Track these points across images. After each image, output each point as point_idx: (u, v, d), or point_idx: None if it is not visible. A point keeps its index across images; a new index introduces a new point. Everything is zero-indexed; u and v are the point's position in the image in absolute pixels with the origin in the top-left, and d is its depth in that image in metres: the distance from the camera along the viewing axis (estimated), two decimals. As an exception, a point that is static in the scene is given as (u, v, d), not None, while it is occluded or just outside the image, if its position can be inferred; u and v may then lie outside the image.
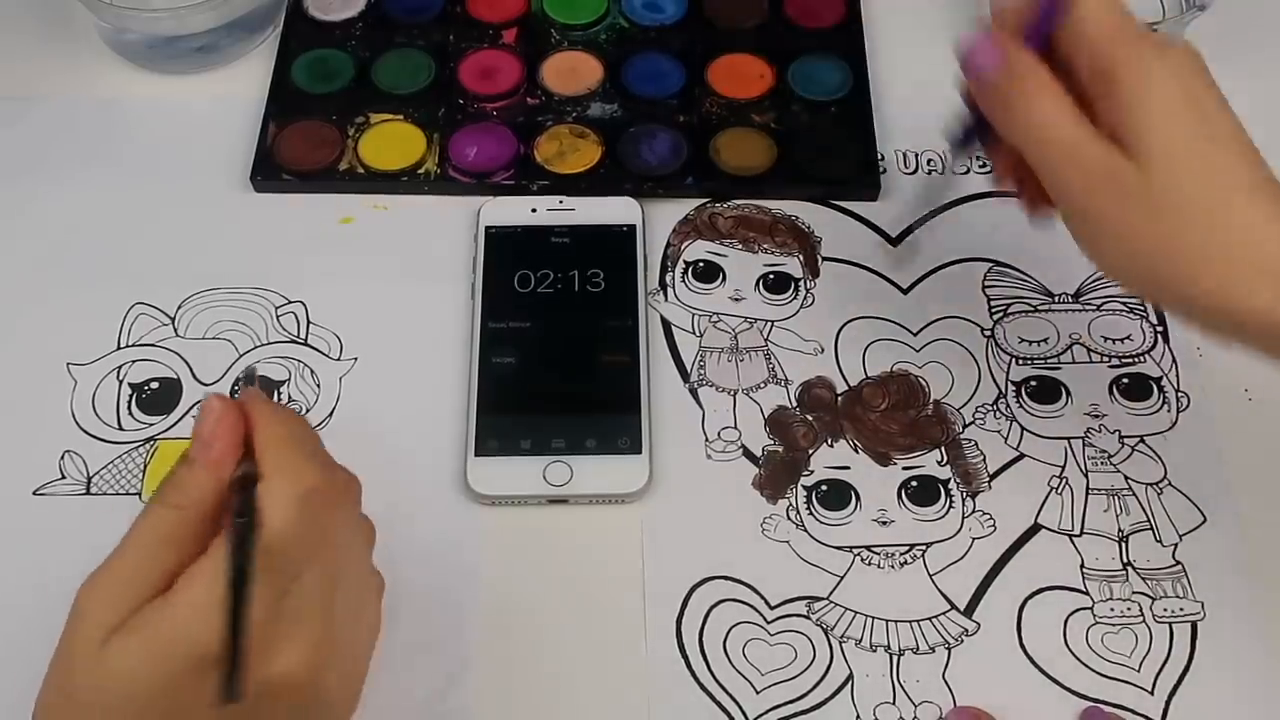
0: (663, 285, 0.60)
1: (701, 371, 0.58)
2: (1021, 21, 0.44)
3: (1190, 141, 0.42)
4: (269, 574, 0.37)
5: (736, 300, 0.60)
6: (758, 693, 0.50)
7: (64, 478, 0.54)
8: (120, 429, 0.56)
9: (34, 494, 0.54)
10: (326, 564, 0.39)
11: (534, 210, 0.61)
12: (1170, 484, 0.55)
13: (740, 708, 0.50)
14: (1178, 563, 0.53)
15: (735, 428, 0.56)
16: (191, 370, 0.57)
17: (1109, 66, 0.42)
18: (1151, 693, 0.50)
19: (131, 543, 0.38)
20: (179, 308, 0.59)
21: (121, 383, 0.57)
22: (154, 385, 0.57)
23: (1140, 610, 0.52)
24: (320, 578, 0.39)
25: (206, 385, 0.57)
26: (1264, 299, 0.41)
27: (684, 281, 0.60)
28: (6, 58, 0.68)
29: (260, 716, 0.38)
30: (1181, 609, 0.52)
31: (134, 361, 0.58)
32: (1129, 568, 0.53)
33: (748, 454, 0.56)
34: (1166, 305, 0.47)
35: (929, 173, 0.64)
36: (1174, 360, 0.58)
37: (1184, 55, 0.43)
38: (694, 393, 0.57)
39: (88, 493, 0.54)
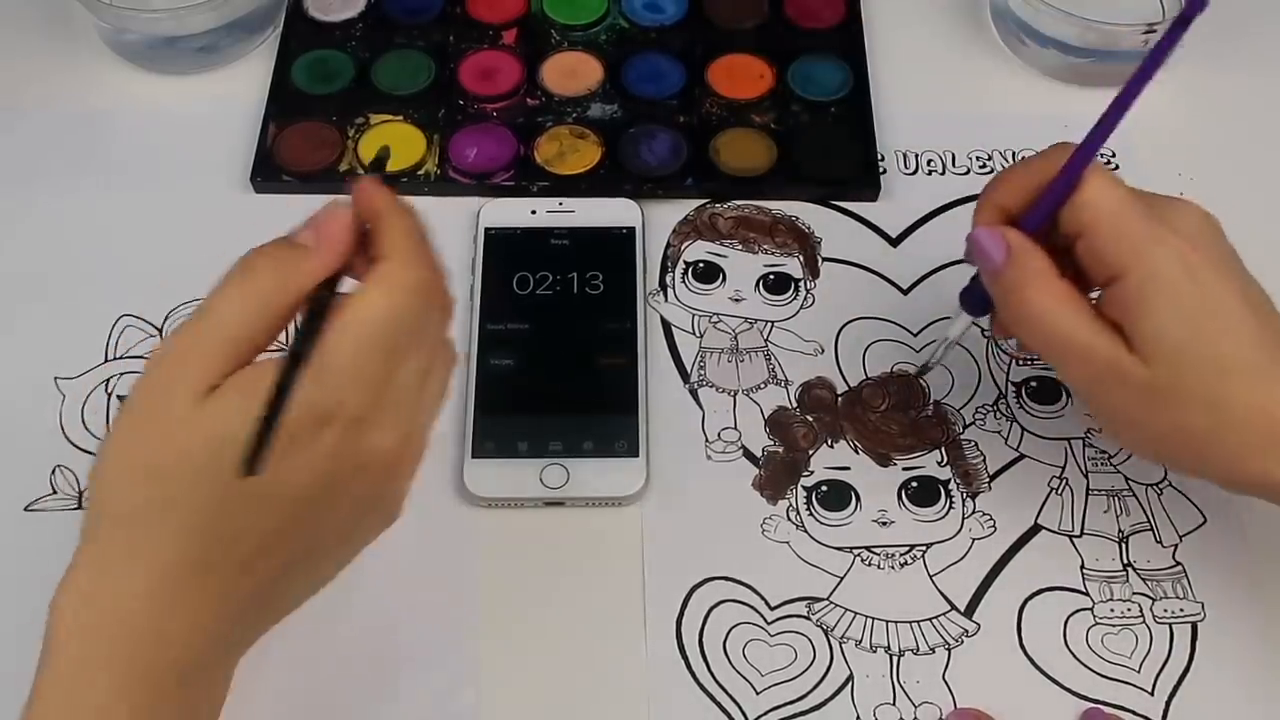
0: (663, 286, 0.60)
1: (701, 372, 0.58)
2: (1021, 202, 0.45)
3: (1193, 336, 0.42)
4: (382, 354, 0.38)
5: (737, 301, 0.60)
6: (758, 693, 0.50)
7: (55, 493, 0.54)
8: None
9: (25, 510, 0.53)
10: (426, 353, 0.41)
11: (533, 212, 0.61)
12: (1170, 484, 0.55)
13: (740, 708, 0.50)
14: (1178, 563, 0.53)
15: (735, 428, 0.56)
16: None
17: (1113, 262, 0.43)
18: (1151, 693, 0.50)
19: (226, 307, 0.39)
20: (166, 319, 0.58)
21: (110, 395, 0.56)
22: None
23: (1140, 611, 0.52)
24: (418, 367, 0.40)
25: None
26: (1275, 469, 0.43)
27: (684, 282, 0.60)
28: (6, 58, 0.68)
29: (349, 487, 0.39)
30: (1181, 610, 0.52)
31: (122, 374, 0.57)
32: (1129, 568, 0.53)
33: (748, 454, 0.56)
34: (1187, 476, 0.49)
35: (929, 173, 0.64)
36: (1174, 360, 0.58)
37: (1190, 234, 0.43)
38: (694, 393, 0.57)
39: (80, 507, 0.53)
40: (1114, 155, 0.64)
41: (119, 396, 0.56)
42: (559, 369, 0.57)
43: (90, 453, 0.55)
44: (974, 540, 0.54)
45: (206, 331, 0.38)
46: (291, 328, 0.39)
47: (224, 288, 0.39)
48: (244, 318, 0.38)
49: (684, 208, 0.63)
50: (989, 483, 0.55)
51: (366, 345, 0.38)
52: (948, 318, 0.59)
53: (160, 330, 0.58)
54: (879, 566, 0.53)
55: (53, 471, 0.54)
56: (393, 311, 0.39)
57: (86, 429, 0.56)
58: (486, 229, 0.60)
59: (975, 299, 0.49)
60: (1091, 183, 0.44)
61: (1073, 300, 0.44)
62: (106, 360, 0.58)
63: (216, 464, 0.36)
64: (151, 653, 0.38)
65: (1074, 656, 0.51)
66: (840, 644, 0.51)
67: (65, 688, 0.37)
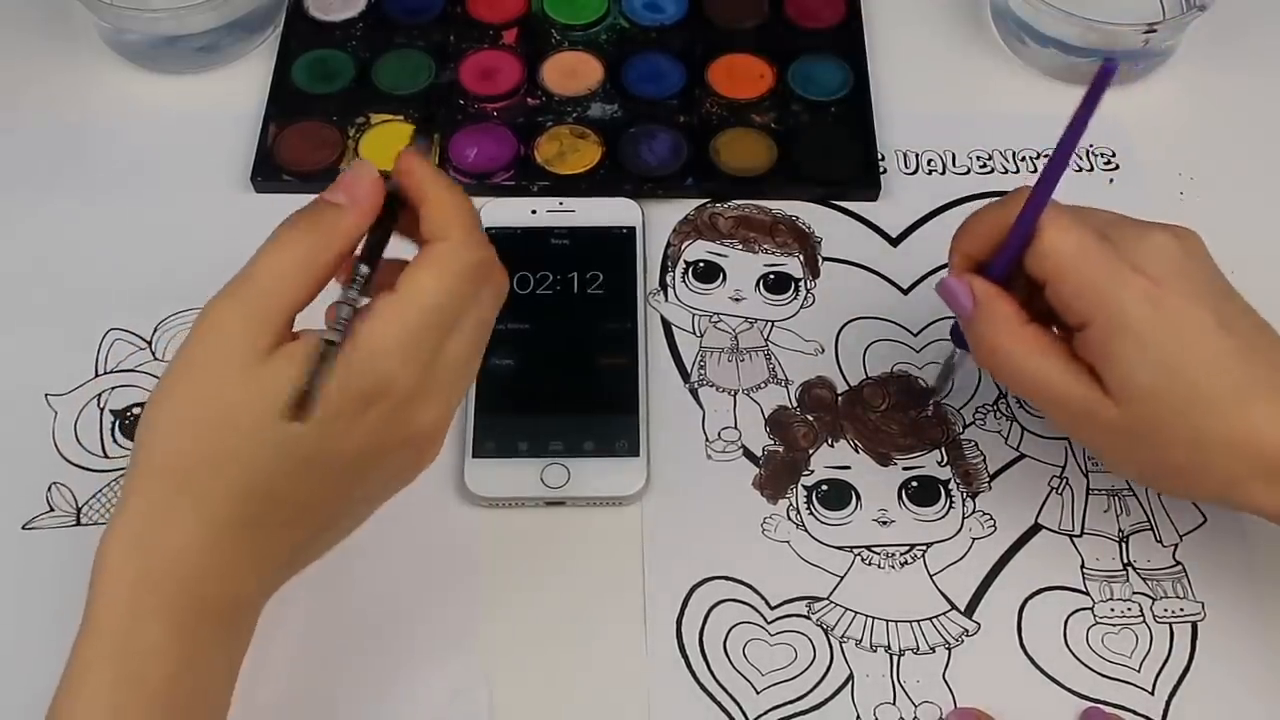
0: (663, 285, 0.60)
1: (702, 371, 0.58)
2: (986, 250, 0.46)
3: (1165, 377, 0.42)
4: (435, 334, 0.40)
5: (737, 300, 0.60)
6: (758, 693, 0.50)
7: (52, 510, 0.54)
8: (106, 457, 0.55)
9: (23, 529, 0.53)
10: (473, 332, 0.42)
11: (534, 212, 0.61)
12: (1171, 484, 0.55)
13: (740, 708, 0.50)
14: (1178, 563, 0.53)
15: (735, 428, 0.56)
16: None
17: (1078, 310, 0.43)
18: (1152, 693, 0.50)
19: (272, 268, 0.40)
20: (155, 331, 0.58)
21: (103, 410, 0.56)
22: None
23: (1140, 610, 0.52)
24: (465, 345, 0.41)
25: None
26: (1260, 495, 0.44)
27: (684, 281, 0.60)
28: (6, 58, 0.68)
29: (392, 458, 0.41)
30: (1182, 609, 0.52)
31: (114, 388, 0.57)
32: (1129, 568, 0.53)
33: (748, 454, 0.56)
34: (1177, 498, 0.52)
35: (929, 173, 0.64)
36: (1174, 360, 0.58)
37: (1158, 267, 0.43)
38: (694, 393, 0.57)
39: (78, 523, 0.53)
40: (1114, 155, 0.65)
41: (112, 411, 0.56)
42: (560, 369, 0.57)
43: (86, 468, 0.55)
44: (974, 540, 0.54)
45: (256, 293, 0.40)
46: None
47: (269, 250, 0.40)
48: (289, 279, 0.40)
49: (684, 207, 0.63)
50: (989, 482, 0.55)
51: (419, 326, 0.39)
52: (948, 317, 0.59)
53: (149, 343, 0.58)
54: (879, 566, 0.53)
55: (49, 489, 0.54)
56: (447, 295, 0.40)
57: (80, 445, 0.55)
58: (487, 229, 0.60)
59: (961, 335, 0.49)
60: (1049, 230, 0.44)
61: (1044, 345, 0.44)
62: (97, 375, 0.57)
63: (271, 425, 0.38)
64: (200, 599, 0.40)
65: (1074, 656, 0.51)
66: (840, 643, 0.51)
67: (116, 631, 0.39)
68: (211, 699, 0.41)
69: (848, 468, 0.55)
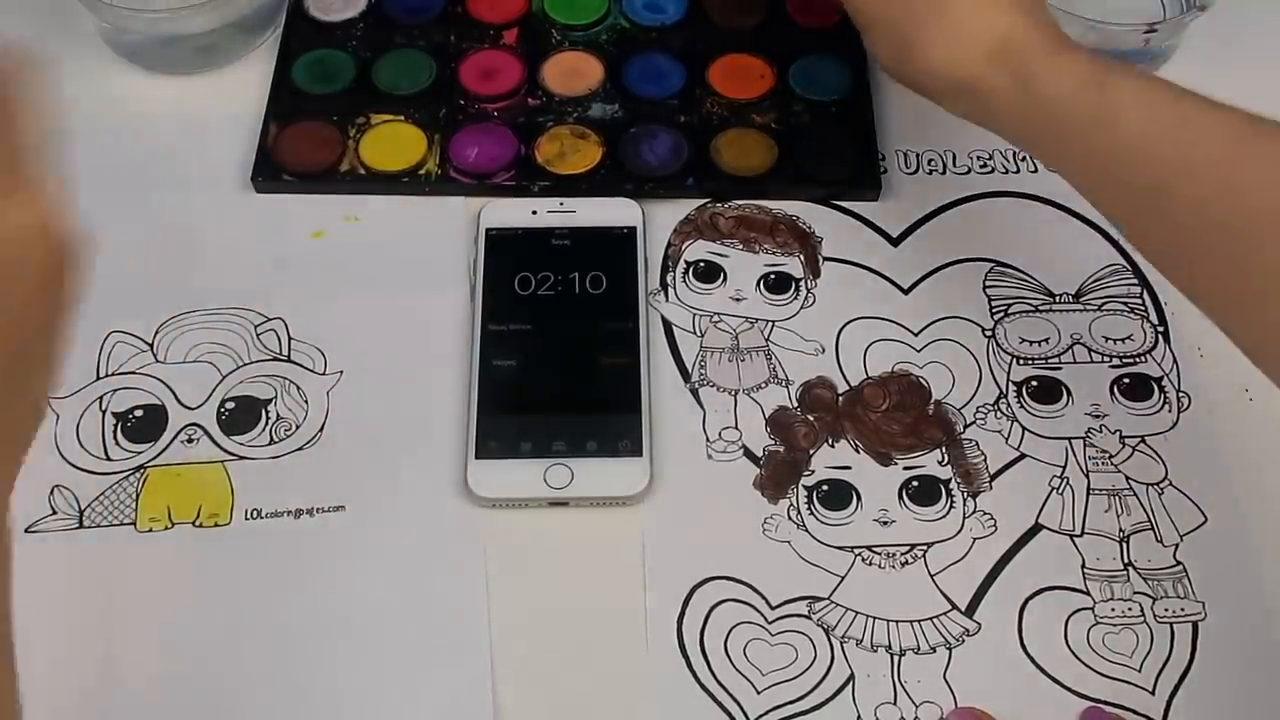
0: (664, 285, 0.60)
1: (702, 371, 0.58)
2: None
3: None
4: None
5: (737, 300, 0.60)
6: (759, 693, 0.50)
7: (55, 513, 0.53)
8: (108, 459, 0.55)
9: (26, 532, 0.53)
10: None
11: (534, 212, 0.61)
12: (1171, 484, 0.55)
13: (741, 708, 0.50)
14: (1179, 563, 0.53)
15: (736, 428, 0.56)
16: (175, 395, 0.56)
17: None
18: (1152, 693, 0.50)
19: None
20: (156, 333, 0.58)
21: (105, 413, 0.56)
22: (138, 413, 0.56)
23: (1141, 610, 0.52)
24: None
25: (191, 409, 0.56)
26: (968, 65, 0.51)
27: (685, 281, 0.60)
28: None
29: None
30: (1182, 609, 0.52)
31: (115, 390, 0.57)
32: (1130, 568, 0.53)
33: (749, 454, 0.56)
34: (917, 83, 0.54)
35: (929, 172, 0.64)
36: (1175, 360, 0.58)
37: None
38: (695, 393, 0.57)
39: (80, 526, 0.53)
40: (1114, 155, 0.65)
41: (114, 413, 0.56)
42: (562, 369, 0.57)
43: (89, 471, 0.55)
44: (975, 540, 0.54)
45: None
46: None
47: None
48: None
49: (685, 207, 0.63)
50: (990, 482, 0.55)
51: None
52: (949, 317, 0.59)
53: (151, 345, 0.58)
54: (880, 566, 0.53)
55: (51, 492, 0.54)
56: None
57: (82, 448, 0.55)
58: (487, 230, 0.60)
59: None
60: None
61: None
62: (98, 378, 0.57)
63: None
64: None
65: (1075, 656, 0.51)
66: (841, 643, 0.51)
67: None
68: None
69: (848, 468, 0.55)
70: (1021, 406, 0.57)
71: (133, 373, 0.57)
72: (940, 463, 0.56)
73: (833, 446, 0.56)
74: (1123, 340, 0.59)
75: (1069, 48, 0.50)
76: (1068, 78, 0.49)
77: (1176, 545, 0.54)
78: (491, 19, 0.69)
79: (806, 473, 0.55)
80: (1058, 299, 0.60)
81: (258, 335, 0.58)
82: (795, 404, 0.57)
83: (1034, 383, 0.58)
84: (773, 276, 0.61)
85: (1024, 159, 0.65)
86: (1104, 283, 0.60)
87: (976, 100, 0.51)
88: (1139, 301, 0.60)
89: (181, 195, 0.63)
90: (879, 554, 0.53)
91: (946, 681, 0.50)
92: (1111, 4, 0.64)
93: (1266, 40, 0.69)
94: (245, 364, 0.57)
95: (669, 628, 0.51)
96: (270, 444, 0.55)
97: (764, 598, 0.52)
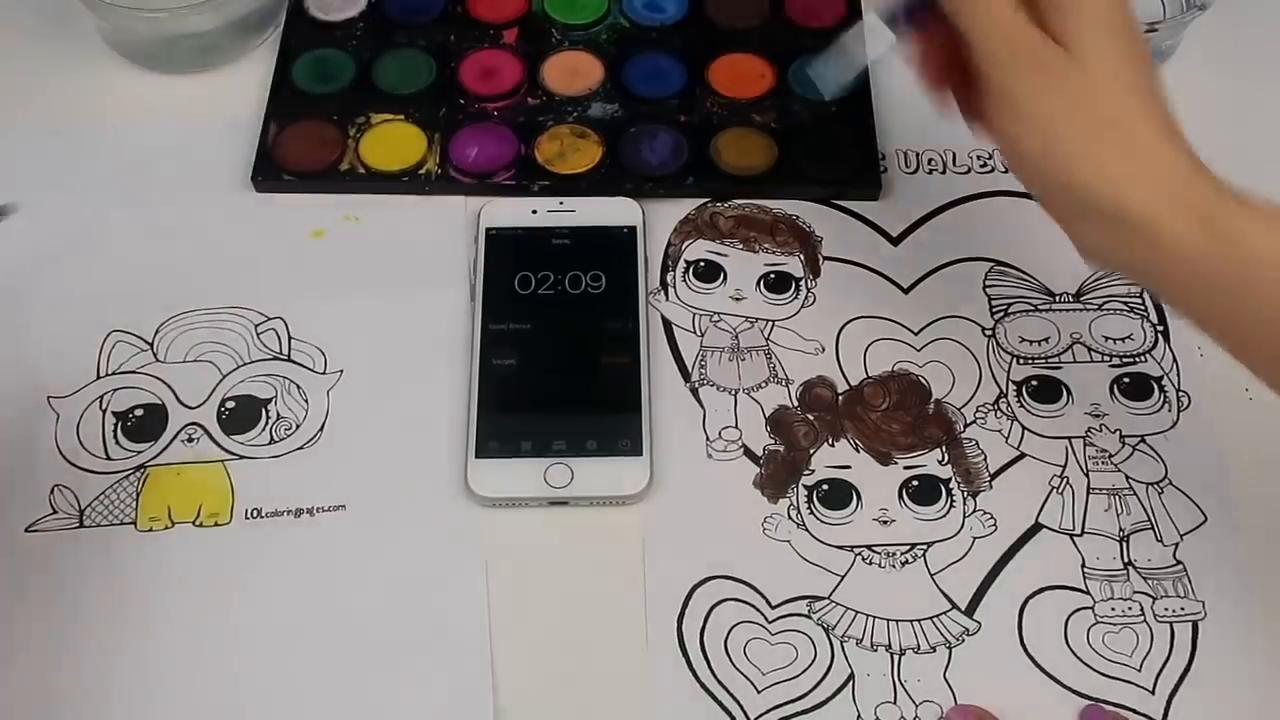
0: (664, 285, 0.60)
1: (702, 371, 0.58)
2: None
3: (1116, 54, 0.45)
4: None
5: (737, 300, 0.60)
6: (759, 692, 0.50)
7: (55, 512, 0.53)
8: (108, 459, 0.55)
9: (26, 532, 0.53)
10: None
11: (534, 212, 0.61)
12: (1171, 483, 0.55)
13: (741, 707, 0.50)
14: (1179, 562, 0.53)
15: (736, 427, 0.56)
16: (175, 394, 0.56)
17: None
18: (1152, 692, 0.50)
19: None
20: (156, 332, 0.58)
21: (105, 412, 0.56)
22: (139, 412, 0.56)
23: (1141, 610, 0.52)
24: None
25: (192, 409, 0.56)
26: (1144, 201, 0.44)
27: (685, 281, 0.60)
28: (6, 58, 0.68)
29: None
30: (1182, 608, 0.52)
31: (115, 390, 0.57)
32: (1130, 567, 0.53)
33: (749, 453, 0.56)
34: (1056, 193, 0.48)
35: (929, 172, 0.64)
36: (1175, 360, 0.58)
37: None
38: (695, 392, 0.57)
39: (81, 525, 0.53)
40: (1114, 154, 0.65)
41: (114, 413, 0.56)
42: (562, 368, 0.57)
43: (89, 470, 0.55)
44: (975, 539, 0.54)
45: None
46: None
47: None
48: None
49: (685, 207, 0.63)
50: (990, 482, 0.55)
51: None
52: (949, 317, 0.59)
53: (151, 345, 0.58)
54: (880, 565, 0.53)
55: (51, 491, 0.54)
56: None
57: (83, 447, 0.55)
58: (487, 229, 0.60)
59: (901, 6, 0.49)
60: None
61: None
62: (99, 377, 0.57)
63: None
64: None
65: (1075, 655, 0.51)
66: (841, 643, 0.51)
67: None
68: None
69: (848, 467, 0.55)
70: (1021, 406, 0.57)
71: (133, 372, 0.57)
72: (940, 462, 0.56)
73: (833, 446, 0.56)
74: (1123, 340, 0.59)
75: (1248, 198, 0.44)
76: (1269, 233, 0.43)
77: (1176, 545, 0.54)
78: (491, 19, 0.69)
79: (806, 472, 0.55)
80: (1058, 298, 0.60)
81: (258, 335, 0.58)
82: (795, 403, 0.57)
83: (1034, 382, 0.58)
84: (773, 276, 0.61)
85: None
86: (1104, 282, 0.60)
87: (1139, 237, 0.44)
88: (1139, 301, 0.60)
89: (181, 195, 0.63)
90: (879, 553, 0.53)
91: (946, 681, 0.51)
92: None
93: (1266, 40, 0.69)
94: (245, 363, 0.57)
95: (669, 627, 0.51)
96: (270, 444, 0.55)
97: (764, 597, 0.52)
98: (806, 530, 0.54)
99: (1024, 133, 0.46)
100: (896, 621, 0.52)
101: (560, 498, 0.53)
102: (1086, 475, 0.55)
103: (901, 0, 0.49)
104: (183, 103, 0.67)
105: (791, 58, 0.67)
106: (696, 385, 0.58)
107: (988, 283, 0.61)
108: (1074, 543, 0.54)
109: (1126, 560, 0.53)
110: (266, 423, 0.56)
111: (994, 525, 0.54)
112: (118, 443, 0.55)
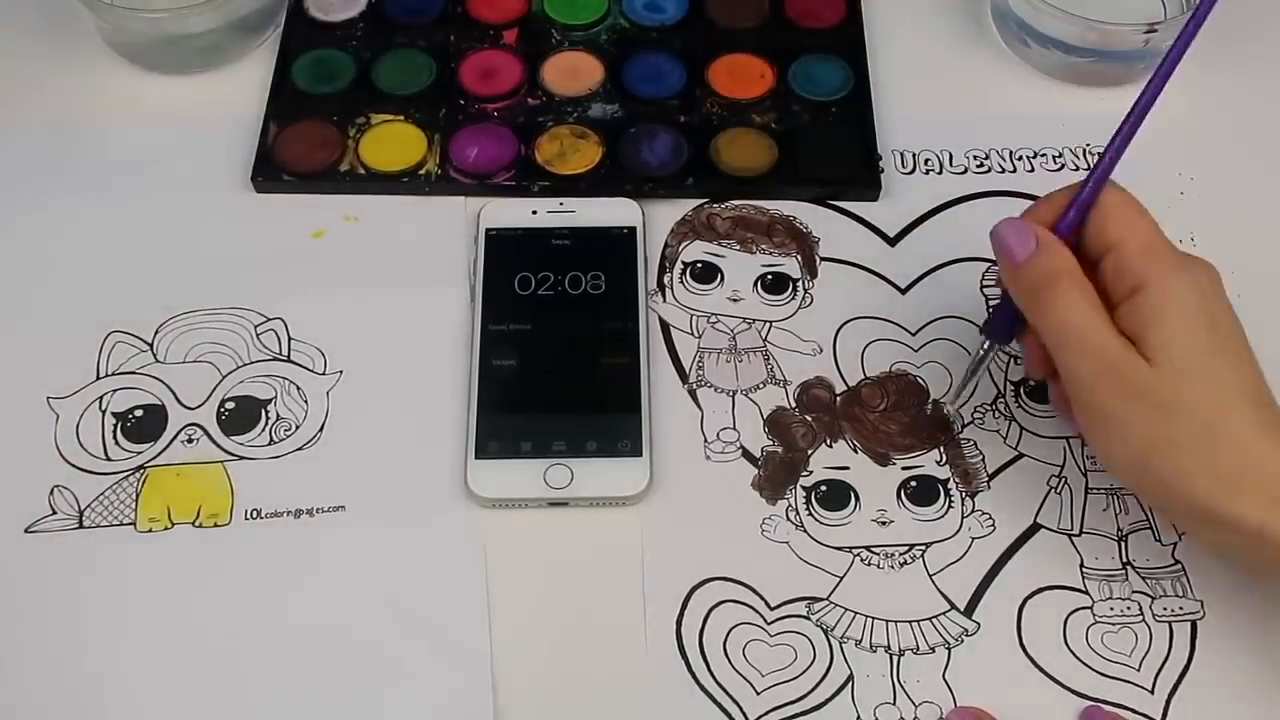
0: (661, 286, 0.60)
1: (700, 372, 0.58)
2: (1054, 214, 0.47)
3: (1202, 355, 0.44)
4: None
5: (735, 301, 0.60)
6: (758, 694, 0.50)
7: (55, 513, 0.54)
8: (108, 459, 0.55)
9: (26, 532, 0.53)
10: None
11: (534, 212, 0.61)
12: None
13: (740, 709, 0.50)
14: (1177, 562, 0.53)
15: (734, 428, 0.56)
16: (175, 395, 0.56)
17: (1135, 278, 0.45)
18: (1151, 692, 0.51)
19: None
20: (156, 333, 0.58)
21: (105, 413, 0.56)
22: (138, 413, 0.56)
23: (1140, 609, 0.52)
24: None
25: (191, 409, 0.56)
26: (1247, 506, 0.44)
27: (682, 282, 0.61)
28: (6, 57, 0.68)
29: None
30: (1181, 608, 0.52)
31: (115, 390, 0.57)
32: (1128, 567, 0.53)
33: (747, 455, 0.56)
34: (1156, 500, 0.49)
35: (926, 172, 0.64)
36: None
37: (1203, 270, 0.46)
38: (692, 394, 0.57)
39: (80, 526, 0.53)
40: (1113, 154, 0.65)
41: (114, 414, 0.56)
42: (562, 369, 0.57)
43: (89, 471, 0.55)
44: (973, 539, 0.54)
45: None
46: None
47: None
48: None
49: (685, 207, 0.63)
50: (988, 482, 0.55)
51: None
52: (946, 317, 0.60)
53: (151, 345, 0.58)
54: (878, 566, 0.53)
55: (51, 492, 0.54)
56: None
57: (82, 448, 0.55)
58: (487, 230, 0.60)
59: (999, 325, 0.49)
60: (1118, 199, 0.47)
61: (1093, 296, 0.46)
62: (98, 378, 0.57)
63: None
64: None
65: (1074, 655, 0.51)
66: (840, 644, 0.51)
67: None
68: None
69: (846, 468, 0.55)
70: (1020, 406, 0.57)
71: (133, 373, 0.57)
72: (938, 463, 0.56)
73: (831, 446, 0.56)
74: (1121, 340, 0.59)
75: None
76: None
77: (1175, 544, 0.54)
78: (491, 19, 0.69)
79: (805, 473, 0.55)
80: (1056, 299, 0.60)
81: (258, 335, 0.58)
82: (793, 404, 0.57)
83: (1032, 382, 0.58)
84: (770, 277, 0.61)
85: (1020, 158, 0.65)
86: (1103, 283, 0.60)
87: (1247, 542, 0.45)
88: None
89: (181, 195, 0.63)
90: (878, 554, 0.53)
91: (946, 681, 0.51)
92: (1112, 4, 0.64)
93: (1267, 40, 0.69)
94: (245, 364, 0.57)
95: (668, 628, 0.51)
96: (270, 444, 0.55)
97: (763, 598, 0.52)
98: (805, 531, 0.54)
99: (1113, 446, 0.46)
100: (895, 622, 0.52)
101: (560, 499, 0.53)
102: (1085, 475, 0.55)
103: (1000, 320, 0.51)
104: (183, 103, 0.67)
105: (791, 58, 0.67)
106: (694, 387, 0.58)
107: (985, 283, 0.61)
108: (1072, 542, 0.54)
109: (1125, 560, 0.53)
110: (266, 423, 0.56)
111: (992, 525, 0.54)
112: (117, 443, 0.55)
